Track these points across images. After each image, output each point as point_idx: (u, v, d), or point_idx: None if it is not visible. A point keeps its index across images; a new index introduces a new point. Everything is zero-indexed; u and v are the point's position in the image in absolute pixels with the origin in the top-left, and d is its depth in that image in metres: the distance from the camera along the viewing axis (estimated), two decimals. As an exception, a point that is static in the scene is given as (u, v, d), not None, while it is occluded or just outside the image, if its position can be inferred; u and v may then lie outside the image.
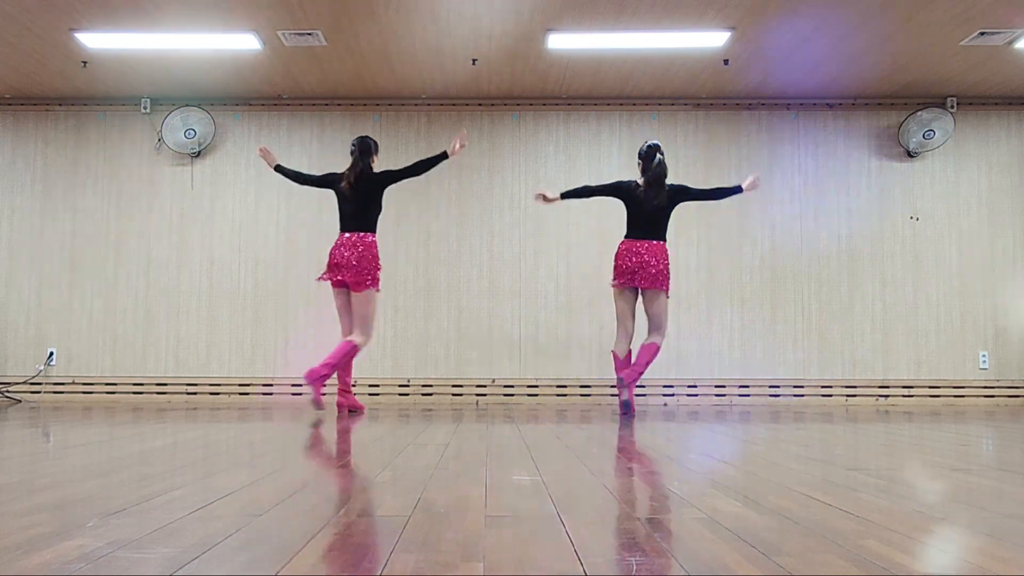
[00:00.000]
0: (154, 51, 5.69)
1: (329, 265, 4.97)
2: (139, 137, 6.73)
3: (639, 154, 5.18)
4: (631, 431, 3.68)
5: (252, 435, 3.33)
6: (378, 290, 5.00)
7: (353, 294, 4.94)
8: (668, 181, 5.12)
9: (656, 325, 5.12)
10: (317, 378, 4.75)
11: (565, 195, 5.20)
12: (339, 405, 5.12)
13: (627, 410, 4.98)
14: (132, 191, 6.68)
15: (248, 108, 6.72)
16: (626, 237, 5.12)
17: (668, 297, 5.15)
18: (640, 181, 5.11)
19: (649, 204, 5.03)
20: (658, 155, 5.07)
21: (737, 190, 5.17)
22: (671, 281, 5.35)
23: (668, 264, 5.07)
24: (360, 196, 5.01)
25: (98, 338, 6.57)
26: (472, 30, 5.35)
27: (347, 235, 4.98)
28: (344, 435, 3.41)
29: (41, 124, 6.75)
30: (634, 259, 5.02)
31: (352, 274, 4.88)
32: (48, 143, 6.74)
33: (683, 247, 6.54)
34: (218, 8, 5.02)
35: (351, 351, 4.91)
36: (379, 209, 5.08)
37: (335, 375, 5.07)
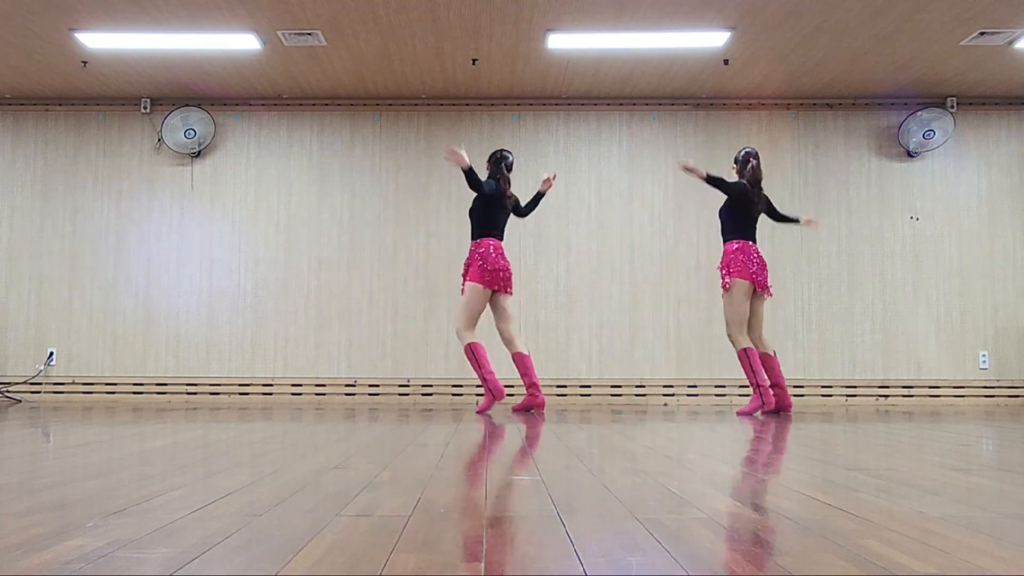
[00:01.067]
0: (154, 51, 5.69)
1: (494, 272, 5.01)
2: (139, 137, 6.73)
3: (735, 160, 5.18)
4: (631, 431, 3.68)
5: (252, 435, 3.33)
6: None
7: (508, 297, 5.11)
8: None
9: (761, 325, 5.13)
10: (537, 395, 5.03)
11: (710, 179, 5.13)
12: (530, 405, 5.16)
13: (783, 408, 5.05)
14: (132, 191, 6.68)
15: (248, 108, 6.72)
16: (744, 239, 5.04)
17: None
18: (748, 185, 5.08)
19: (753, 207, 5.06)
20: (752, 160, 5.07)
21: (795, 221, 5.22)
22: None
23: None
24: (509, 209, 5.19)
25: (98, 338, 6.57)
26: (472, 30, 5.35)
27: (499, 243, 5.12)
28: (344, 436, 3.42)
29: (41, 124, 6.75)
30: (761, 262, 5.04)
31: (510, 280, 5.09)
32: (48, 143, 6.74)
33: (683, 247, 6.55)
34: (218, 8, 5.02)
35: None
36: None
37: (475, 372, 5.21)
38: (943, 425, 4.17)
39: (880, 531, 1.43)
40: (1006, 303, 6.56)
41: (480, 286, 5.01)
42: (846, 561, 1.21)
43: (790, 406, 5.04)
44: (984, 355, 6.50)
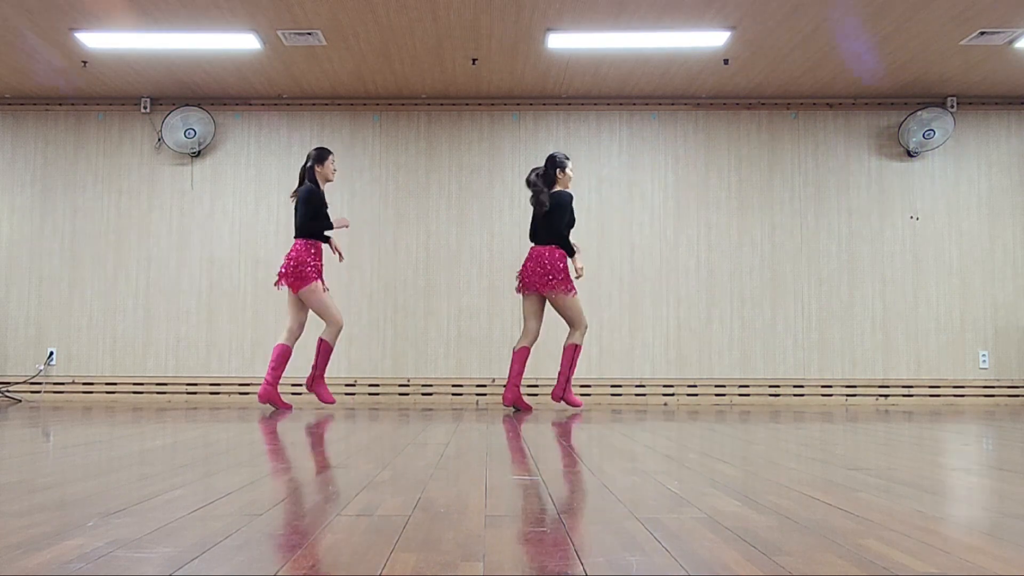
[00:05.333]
0: (154, 51, 5.69)
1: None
2: (139, 137, 6.73)
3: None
4: (631, 431, 3.68)
5: (252, 435, 3.33)
6: (313, 286, 5.22)
7: (296, 294, 5.30)
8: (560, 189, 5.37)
9: (569, 324, 5.34)
10: (317, 384, 5.28)
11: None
12: (267, 398, 5.21)
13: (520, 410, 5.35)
14: (132, 191, 6.68)
15: (248, 108, 6.72)
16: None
17: (569, 296, 5.22)
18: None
19: (535, 211, 5.34)
20: (544, 166, 5.36)
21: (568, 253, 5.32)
22: (561, 281, 5.21)
23: (556, 265, 5.18)
24: (298, 204, 5.29)
25: (98, 338, 6.57)
26: (472, 30, 5.35)
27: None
28: (344, 436, 3.42)
29: (41, 124, 6.75)
30: (526, 264, 5.29)
31: (287, 279, 5.26)
32: (48, 143, 6.74)
33: (683, 247, 6.55)
34: (218, 8, 5.02)
35: (329, 347, 5.32)
36: (308, 216, 5.22)
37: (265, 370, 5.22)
38: (943, 425, 4.17)
39: (880, 531, 1.43)
40: (1006, 303, 6.56)
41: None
42: (846, 561, 1.21)
43: (510, 403, 5.32)
44: (984, 355, 6.50)
